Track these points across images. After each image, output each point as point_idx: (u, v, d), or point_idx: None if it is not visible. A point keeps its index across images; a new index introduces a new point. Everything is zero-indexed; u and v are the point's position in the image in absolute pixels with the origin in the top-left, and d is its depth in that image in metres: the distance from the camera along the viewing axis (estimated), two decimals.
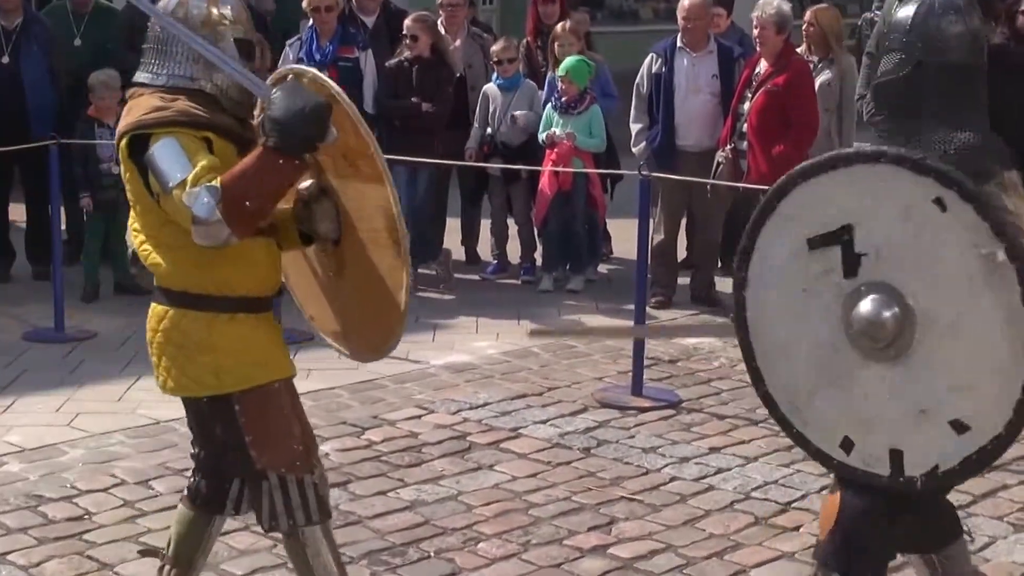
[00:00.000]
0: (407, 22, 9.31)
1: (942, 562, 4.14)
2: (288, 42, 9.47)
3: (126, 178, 4.06)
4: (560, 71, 9.17)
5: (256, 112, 4.08)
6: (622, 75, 9.87)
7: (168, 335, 4.08)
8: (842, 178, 3.67)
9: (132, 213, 4.13)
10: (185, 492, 4.41)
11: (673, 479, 5.96)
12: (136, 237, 4.11)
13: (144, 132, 3.93)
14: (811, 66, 8.82)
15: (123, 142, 4.00)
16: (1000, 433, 3.56)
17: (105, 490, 5.77)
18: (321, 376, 7.34)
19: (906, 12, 3.86)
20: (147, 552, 4.68)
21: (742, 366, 4.04)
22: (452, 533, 5.37)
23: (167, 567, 4.40)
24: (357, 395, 7.11)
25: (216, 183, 3.79)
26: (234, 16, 4.13)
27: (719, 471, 6.08)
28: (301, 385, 7.02)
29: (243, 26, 4.15)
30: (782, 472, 6.06)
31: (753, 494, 5.81)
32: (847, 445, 3.76)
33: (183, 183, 3.80)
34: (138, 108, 4.01)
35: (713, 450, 6.35)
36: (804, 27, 9.11)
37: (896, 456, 3.69)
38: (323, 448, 6.29)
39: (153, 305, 4.14)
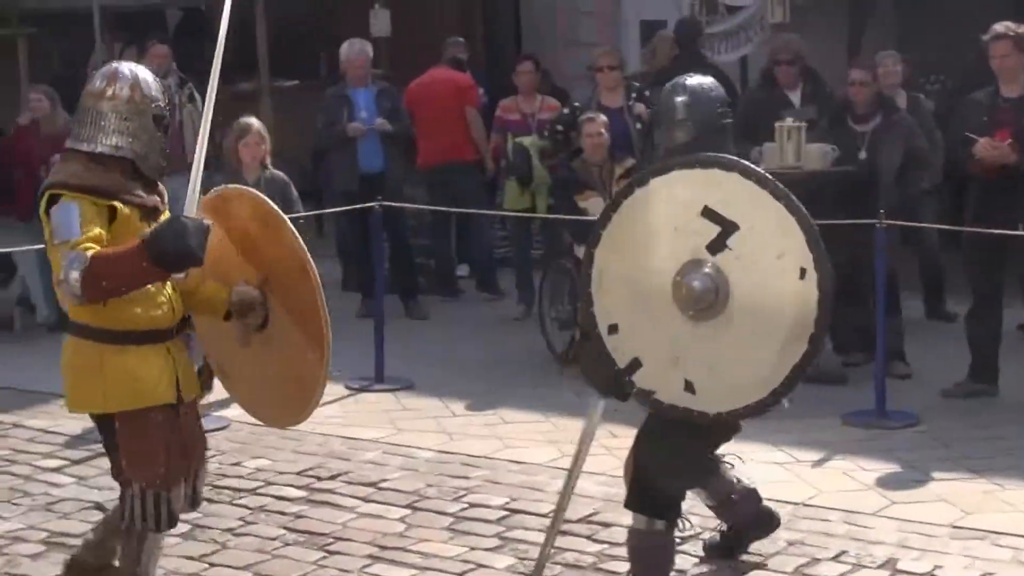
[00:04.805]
0: None
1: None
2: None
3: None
4: None
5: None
6: None
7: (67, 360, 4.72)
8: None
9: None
10: None
11: None
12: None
13: (58, 192, 4.54)
14: None
15: (44, 196, 4.58)
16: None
17: None
18: None
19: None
20: None
21: None
22: None
23: None
24: None
25: (88, 253, 4.35)
26: (153, 95, 4.71)
27: None
28: None
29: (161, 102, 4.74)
30: None
31: None
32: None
33: (67, 243, 4.42)
34: (63, 170, 4.64)
35: None
36: None
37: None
38: None
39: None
